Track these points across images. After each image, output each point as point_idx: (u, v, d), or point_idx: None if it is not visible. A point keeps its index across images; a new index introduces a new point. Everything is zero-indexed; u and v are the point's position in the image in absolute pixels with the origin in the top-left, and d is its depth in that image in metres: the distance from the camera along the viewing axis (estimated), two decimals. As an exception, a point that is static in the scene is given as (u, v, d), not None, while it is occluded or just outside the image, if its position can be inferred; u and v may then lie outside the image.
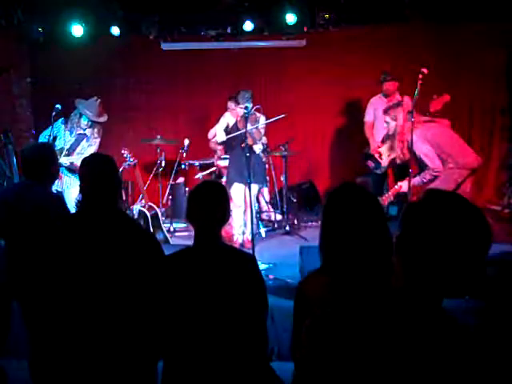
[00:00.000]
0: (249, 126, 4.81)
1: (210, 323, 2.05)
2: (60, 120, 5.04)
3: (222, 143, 5.94)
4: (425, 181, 4.84)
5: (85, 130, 5.03)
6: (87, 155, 4.91)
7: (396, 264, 1.24)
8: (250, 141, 4.95)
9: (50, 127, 4.90)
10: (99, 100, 5.09)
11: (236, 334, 2.07)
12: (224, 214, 2.18)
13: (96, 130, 5.08)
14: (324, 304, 1.68)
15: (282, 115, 5.11)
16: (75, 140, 5.01)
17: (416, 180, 4.80)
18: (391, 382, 1.12)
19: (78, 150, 5.02)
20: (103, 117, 5.11)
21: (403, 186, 4.86)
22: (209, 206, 2.14)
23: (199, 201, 2.16)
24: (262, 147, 5.38)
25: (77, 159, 4.92)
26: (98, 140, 5.13)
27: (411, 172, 5.07)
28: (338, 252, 1.78)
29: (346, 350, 1.16)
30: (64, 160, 4.88)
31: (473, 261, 1.18)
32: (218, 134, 5.74)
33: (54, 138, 4.81)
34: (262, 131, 5.25)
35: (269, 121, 5.21)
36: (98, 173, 2.26)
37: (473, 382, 1.13)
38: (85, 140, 5.04)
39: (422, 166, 4.82)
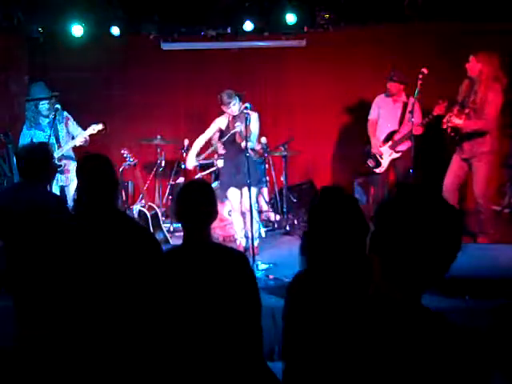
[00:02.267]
0: (239, 125, 4.81)
1: (201, 321, 2.04)
2: (24, 128, 5.00)
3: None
4: (473, 127, 4.85)
5: (49, 115, 4.96)
6: (73, 141, 4.91)
7: (373, 261, 1.24)
8: (238, 139, 4.92)
9: (22, 138, 4.93)
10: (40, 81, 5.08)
11: (228, 331, 2.06)
12: (211, 212, 2.20)
13: (54, 106, 4.92)
14: (309, 304, 1.70)
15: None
16: (53, 130, 4.94)
17: (469, 122, 4.86)
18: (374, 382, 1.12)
19: (61, 134, 4.98)
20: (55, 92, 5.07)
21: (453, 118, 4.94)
22: (195, 204, 2.15)
23: (186, 200, 2.18)
24: (253, 144, 5.22)
25: (73, 142, 4.95)
26: (65, 113, 5.07)
27: (411, 173, 5.09)
28: (320, 256, 1.78)
29: (330, 352, 1.16)
30: (67, 147, 4.88)
31: (447, 254, 1.17)
32: (188, 158, 5.25)
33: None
34: (256, 127, 5.10)
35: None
36: (93, 172, 2.27)
37: (456, 378, 1.12)
38: (57, 124, 5.00)
39: None
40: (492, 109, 4.77)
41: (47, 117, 4.96)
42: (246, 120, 4.66)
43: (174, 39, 7.10)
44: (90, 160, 2.41)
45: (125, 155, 5.68)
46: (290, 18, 6.44)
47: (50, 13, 6.38)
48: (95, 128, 4.99)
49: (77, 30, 6.45)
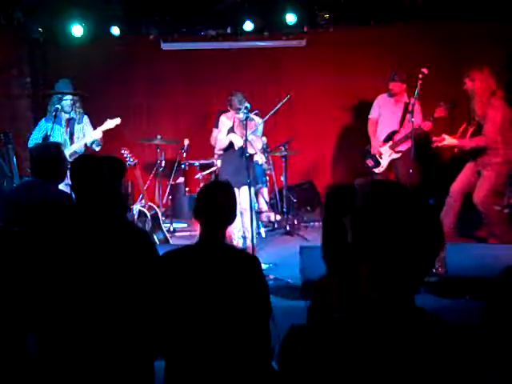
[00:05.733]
0: (252, 137, 4.78)
1: (210, 321, 2.05)
2: (43, 120, 5.03)
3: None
4: (472, 145, 4.84)
5: (70, 112, 5.03)
6: (84, 139, 4.96)
7: (360, 270, 1.18)
8: (250, 150, 4.92)
9: (38, 129, 4.93)
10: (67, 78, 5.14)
11: (237, 332, 2.07)
12: (230, 214, 2.21)
13: (78, 105, 5.08)
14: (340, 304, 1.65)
15: (288, 96, 5.10)
16: (69, 128, 5.02)
17: (465, 140, 4.85)
18: None
19: (76, 134, 5.05)
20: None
21: (447, 139, 4.89)
22: (217, 204, 2.17)
23: (208, 198, 2.19)
24: (264, 158, 5.26)
25: (85, 140, 5.02)
26: (86, 117, 5.16)
27: (411, 172, 5.09)
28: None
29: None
30: (77, 147, 4.93)
31: (432, 249, 1.14)
32: (235, 140, 5.10)
33: (47, 137, 4.81)
34: (264, 140, 5.16)
35: (277, 107, 5.12)
36: (84, 173, 2.25)
37: (455, 379, 1.11)
38: (75, 122, 5.07)
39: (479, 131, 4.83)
40: (490, 125, 4.73)
41: (68, 113, 5.04)
42: (247, 118, 4.67)
43: (174, 39, 7.10)
44: (79, 160, 2.41)
45: (125, 155, 5.68)
46: (290, 18, 6.44)
47: (49, 13, 6.38)
48: (112, 122, 5.07)
49: (77, 29, 6.45)
